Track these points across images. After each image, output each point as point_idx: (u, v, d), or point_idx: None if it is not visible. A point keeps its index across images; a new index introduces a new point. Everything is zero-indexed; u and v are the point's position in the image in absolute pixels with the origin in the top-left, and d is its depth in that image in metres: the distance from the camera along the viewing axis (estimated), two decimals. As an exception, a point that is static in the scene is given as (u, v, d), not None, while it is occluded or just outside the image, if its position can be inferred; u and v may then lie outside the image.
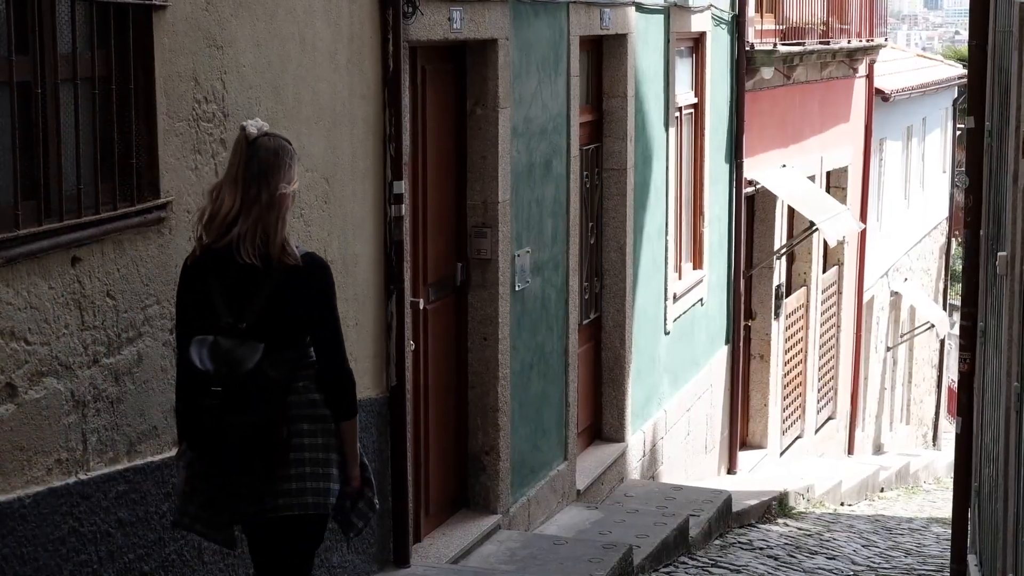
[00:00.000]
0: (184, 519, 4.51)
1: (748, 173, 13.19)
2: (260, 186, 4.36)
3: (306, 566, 4.54)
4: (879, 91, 17.86)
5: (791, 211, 14.54)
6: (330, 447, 4.43)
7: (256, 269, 4.35)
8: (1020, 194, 5.71)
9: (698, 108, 11.93)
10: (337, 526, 4.65)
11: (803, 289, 15.55)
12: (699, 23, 11.62)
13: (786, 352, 14.90)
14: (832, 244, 14.51)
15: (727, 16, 12.49)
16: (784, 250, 14.57)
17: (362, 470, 4.55)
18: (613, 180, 10.07)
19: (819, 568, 9.61)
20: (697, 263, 12.16)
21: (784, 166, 14.31)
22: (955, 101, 24.11)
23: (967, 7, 8.85)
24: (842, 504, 14.23)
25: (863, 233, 17.20)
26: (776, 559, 9.58)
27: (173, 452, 5.07)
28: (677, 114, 11.37)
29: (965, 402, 8.96)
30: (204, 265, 4.39)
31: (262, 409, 4.25)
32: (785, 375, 14.89)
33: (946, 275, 24.98)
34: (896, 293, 20.57)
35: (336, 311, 4.48)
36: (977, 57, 8.40)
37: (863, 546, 10.94)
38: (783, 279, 14.71)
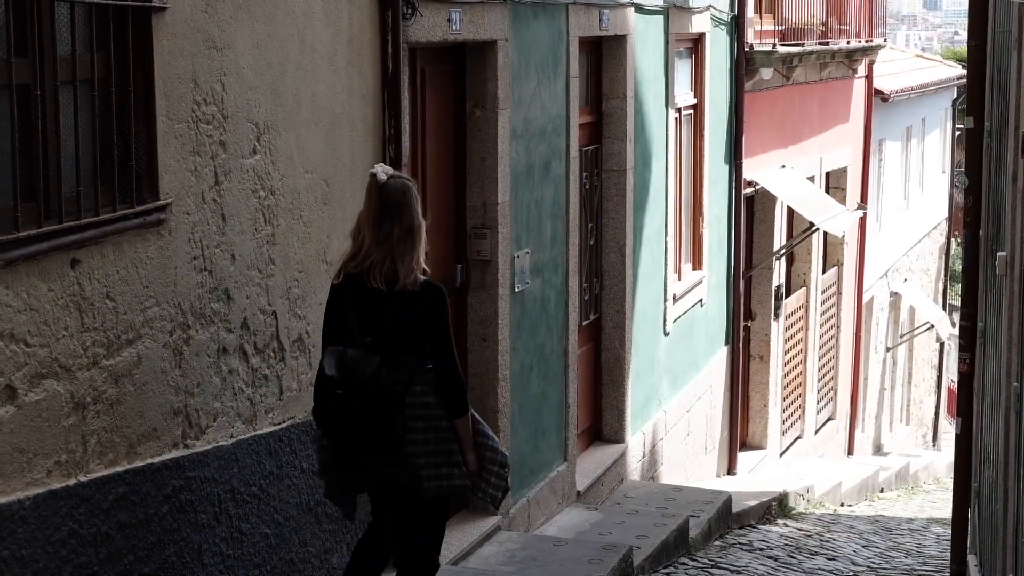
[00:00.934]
0: (329, 490, 5.37)
1: (747, 174, 13.19)
2: (393, 222, 5.09)
3: (436, 541, 5.36)
4: (878, 92, 17.86)
5: (791, 212, 14.54)
6: (442, 440, 5.14)
7: (382, 293, 5.08)
8: (1019, 194, 5.71)
9: (697, 109, 11.93)
10: (482, 499, 5.41)
11: (803, 290, 15.55)
12: (698, 24, 11.62)
13: (786, 353, 14.90)
14: (838, 235, 14.49)
15: (726, 17, 12.49)
16: (784, 251, 14.57)
17: (485, 450, 5.28)
18: (612, 181, 10.07)
19: (819, 569, 9.61)
20: (697, 264, 12.17)
21: (783, 167, 14.32)
22: (954, 101, 24.12)
23: (966, 8, 8.85)
24: (842, 505, 14.23)
25: (863, 233, 17.21)
26: (776, 560, 9.58)
27: (172, 455, 5.08)
28: (676, 115, 11.37)
29: (965, 402, 8.96)
30: (344, 288, 5.17)
31: (377, 407, 5.03)
32: (785, 376, 14.90)
33: (946, 275, 24.98)
34: (896, 293, 20.57)
35: (448, 329, 5.18)
36: (976, 57, 8.40)
37: (863, 547, 10.94)
38: (783, 280, 14.71)
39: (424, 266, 5.15)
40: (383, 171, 5.15)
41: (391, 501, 5.27)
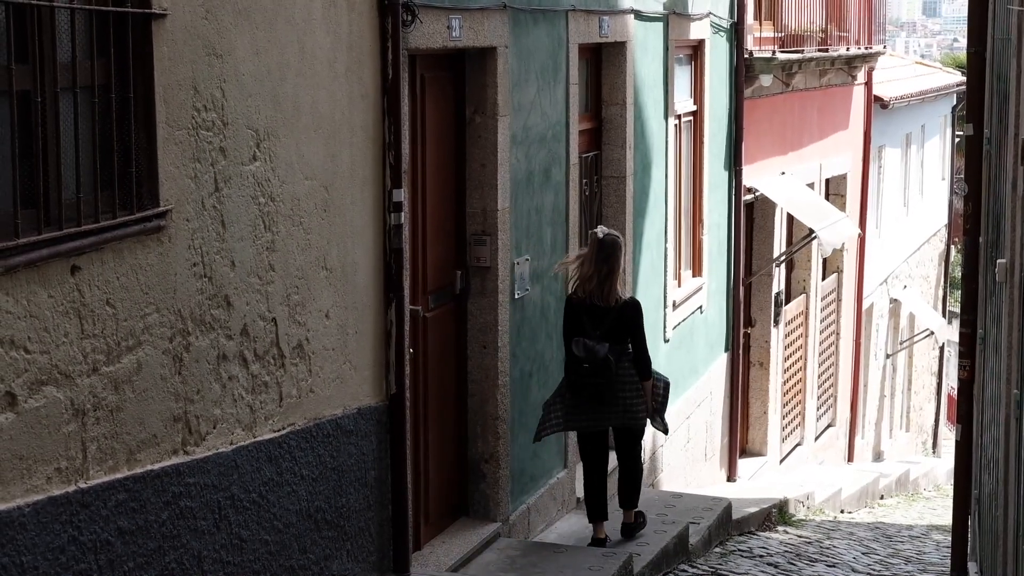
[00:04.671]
0: (561, 427, 8.32)
1: (747, 180, 13.20)
2: (608, 265, 8.09)
3: (636, 451, 8.53)
4: (878, 98, 17.88)
5: (790, 218, 14.55)
6: (637, 394, 8.18)
7: (601, 307, 8.10)
8: (1019, 201, 5.71)
9: (697, 115, 11.94)
10: (656, 427, 8.55)
11: (802, 296, 15.56)
12: (698, 31, 11.63)
13: (786, 359, 14.90)
14: (827, 254, 14.51)
15: (726, 24, 12.50)
16: (783, 257, 14.57)
17: (659, 395, 8.35)
18: (612, 188, 10.08)
19: (819, 575, 9.61)
20: (696, 270, 12.17)
21: (783, 173, 14.32)
22: (954, 108, 24.13)
23: (966, 15, 8.86)
24: (842, 511, 14.23)
25: (862, 240, 17.21)
26: (776, 567, 9.58)
27: (172, 461, 5.08)
28: (676, 121, 11.38)
29: (965, 409, 8.96)
30: (577, 302, 8.16)
31: (606, 375, 8.03)
32: (785, 382, 14.89)
33: (945, 282, 24.99)
34: (895, 300, 20.57)
35: (643, 327, 8.24)
36: (976, 64, 8.41)
37: (863, 553, 10.94)
38: (782, 286, 14.72)
39: (619, 288, 8.19)
40: (602, 231, 8.20)
41: (602, 440, 8.41)
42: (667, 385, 8.45)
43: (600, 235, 8.13)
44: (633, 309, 8.15)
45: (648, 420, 8.37)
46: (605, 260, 8.06)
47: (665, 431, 8.62)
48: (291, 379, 5.99)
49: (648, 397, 8.21)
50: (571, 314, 8.14)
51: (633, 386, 8.14)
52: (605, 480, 8.47)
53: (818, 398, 16.26)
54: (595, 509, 8.43)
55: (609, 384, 8.04)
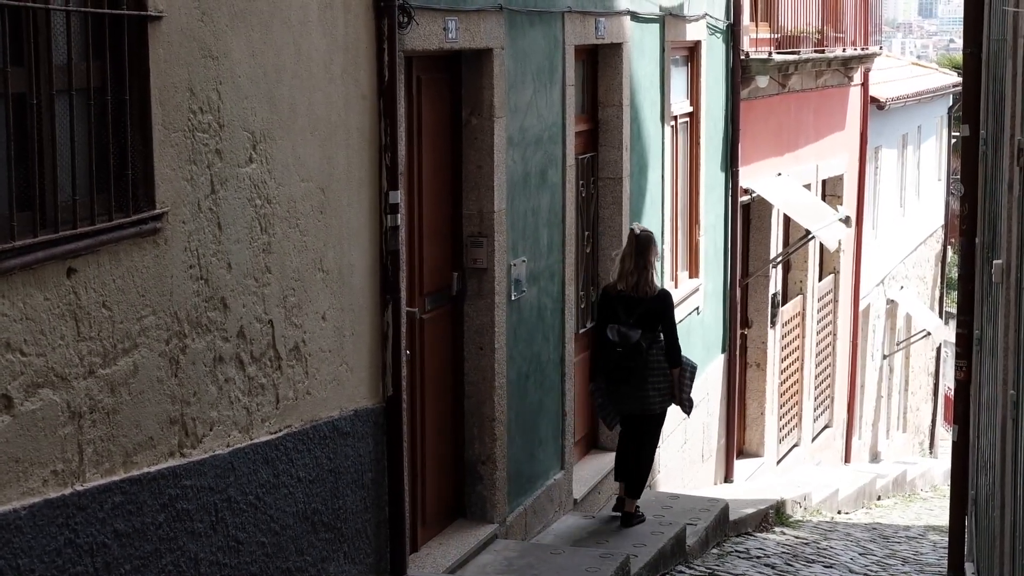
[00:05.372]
0: (618, 411, 8.89)
1: (744, 182, 13.20)
2: (644, 258, 8.74)
3: (656, 438, 9.16)
4: (874, 99, 17.88)
5: (787, 220, 14.55)
6: (666, 379, 8.80)
7: (635, 297, 8.71)
8: (1015, 202, 5.72)
9: (693, 117, 11.94)
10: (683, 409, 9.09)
11: (799, 297, 15.56)
12: (694, 32, 11.63)
13: (782, 360, 14.90)
14: (832, 248, 14.50)
15: (722, 25, 12.50)
16: (780, 259, 14.57)
17: (687, 381, 8.89)
18: (609, 189, 10.08)
19: (816, 576, 9.61)
20: (693, 272, 12.17)
21: (780, 174, 14.32)
22: (950, 109, 24.15)
23: (961, 16, 8.86)
24: (839, 512, 14.23)
25: (859, 241, 17.21)
26: (773, 568, 9.58)
27: (169, 464, 5.08)
28: (673, 123, 11.38)
29: (961, 410, 8.96)
30: (614, 292, 8.80)
31: (637, 358, 8.64)
32: (781, 383, 14.89)
33: (942, 283, 25.00)
34: (892, 301, 20.58)
35: (674, 316, 8.91)
36: (972, 65, 8.41)
37: (860, 554, 10.94)
38: (779, 287, 14.71)
39: (653, 280, 8.79)
40: (638, 227, 8.92)
41: (636, 419, 8.92)
42: (694, 370, 9.02)
43: (637, 231, 8.83)
44: (665, 300, 8.79)
45: (672, 402, 8.95)
46: (641, 254, 8.72)
47: (688, 412, 9.25)
48: (288, 381, 5.98)
49: (676, 385, 8.81)
50: (606, 303, 8.80)
51: (662, 372, 8.74)
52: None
53: (815, 399, 16.26)
54: (623, 472, 9.16)
55: (640, 367, 8.63)
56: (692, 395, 9.05)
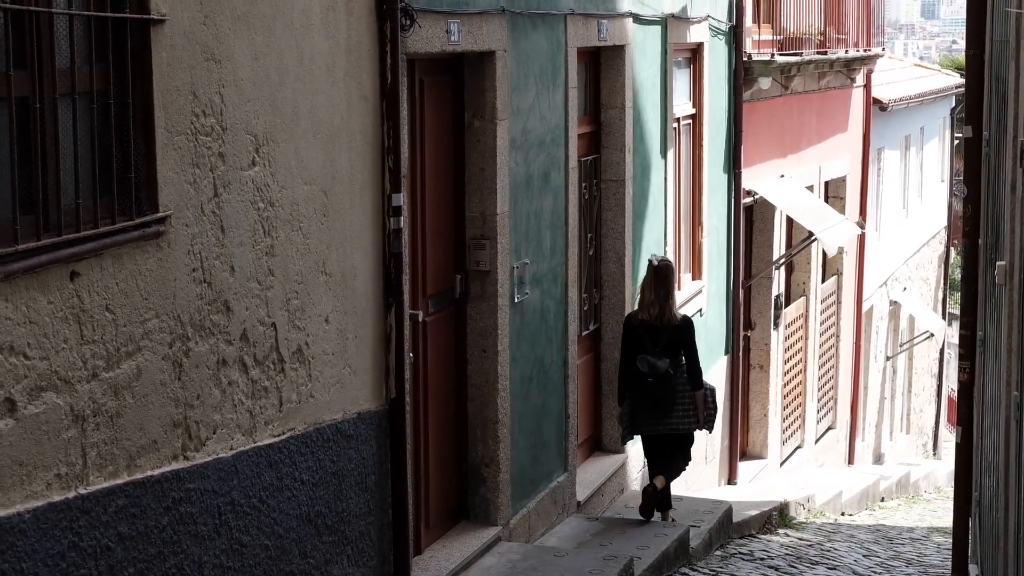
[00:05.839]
0: (632, 432, 9.42)
1: (746, 183, 13.20)
2: (664, 289, 9.19)
3: (686, 458, 9.58)
4: (877, 101, 17.87)
5: (790, 221, 14.54)
6: (690, 403, 9.22)
7: (658, 326, 9.15)
8: (1018, 203, 5.71)
9: (696, 119, 11.94)
10: (703, 429, 9.49)
11: (802, 299, 15.55)
12: (696, 34, 11.63)
13: (786, 362, 14.89)
14: (832, 253, 14.50)
15: (724, 27, 12.50)
16: (783, 260, 14.57)
17: (709, 403, 9.35)
18: (611, 191, 10.08)
19: (820, 578, 9.61)
20: (696, 273, 12.16)
21: (782, 176, 14.32)
22: (953, 110, 24.13)
23: (964, 17, 8.86)
24: (843, 514, 14.22)
25: (862, 243, 17.20)
26: (777, 570, 9.57)
27: (172, 467, 5.08)
28: (675, 125, 11.38)
29: (965, 411, 8.95)
30: (637, 322, 9.21)
31: (665, 386, 9.10)
32: (785, 385, 14.88)
33: (945, 284, 24.98)
34: (895, 302, 20.57)
35: (695, 343, 9.29)
36: (974, 66, 8.41)
37: (864, 556, 10.93)
38: (782, 289, 14.71)
39: (674, 308, 9.24)
40: (656, 258, 9.34)
41: (664, 440, 9.36)
42: (713, 392, 9.48)
43: (655, 263, 9.28)
44: (688, 327, 9.24)
45: (697, 425, 9.37)
46: (661, 284, 9.19)
47: (710, 430, 9.77)
48: (291, 384, 5.98)
49: (700, 405, 9.25)
50: (631, 334, 9.24)
51: (686, 395, 9.20)
52: (665, 458, 9.60)
53: (818, 400, 16.25)
54: (654, 468, 9.56)
55: (668, 393, 9.13)
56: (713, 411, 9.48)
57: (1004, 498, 6.04)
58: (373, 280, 6.70)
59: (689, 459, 9.63)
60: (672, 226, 11.31)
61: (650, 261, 9.32)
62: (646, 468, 10.85)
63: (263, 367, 5.74)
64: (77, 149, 4.61)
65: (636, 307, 9.38)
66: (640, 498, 9.36)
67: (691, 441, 9.54)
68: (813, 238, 14.09)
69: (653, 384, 9.06)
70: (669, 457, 9.41)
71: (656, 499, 9.25)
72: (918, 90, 20.67)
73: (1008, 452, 5.90)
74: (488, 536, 7.97)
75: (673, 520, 9.43)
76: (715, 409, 9.47)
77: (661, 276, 9.18)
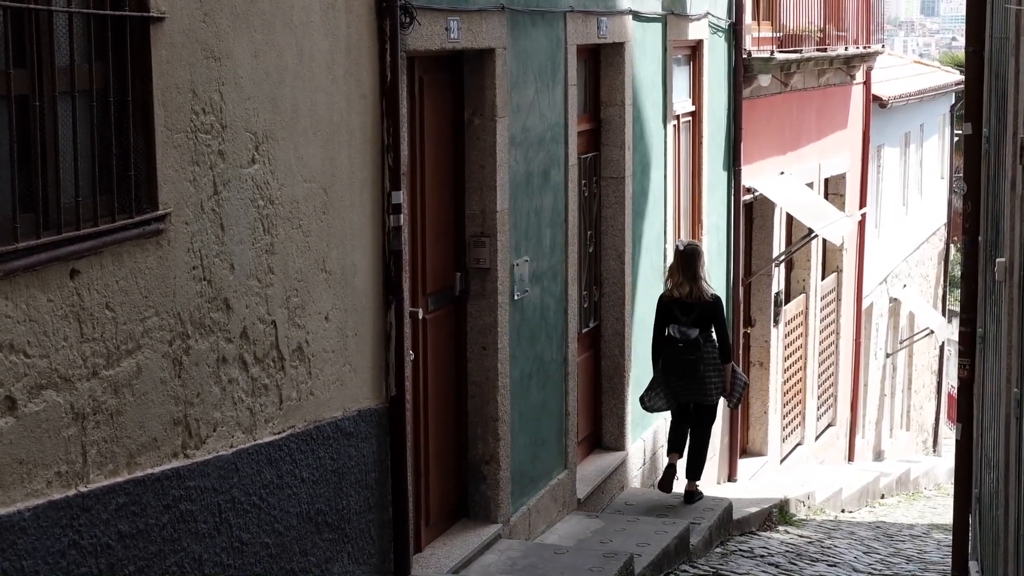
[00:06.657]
0: (655, 404, 10.00)
1: (746, 181, 13.19)
2: (691, 270, 9.82)
3: (710, 426, 10.23)
4: (877, 98, 17.86)
5: (789, 218, 14.54)
6: (719, 374, 9.89)
7: (691, 303, 9.78)
8: (1018, 200, 5.72)
9: (696, 116, 11.94)
10: (730, 405, 10.42)
11: (802, 296, 15.55)
12: (696, 31, 11.63)
13: (785, 359, 14.89)
14: (837, 243, 14.47)
15: (724, 24, 12.50)
16: (783, 257, 14.57)
17: (737, 378, 10.12)
18: (611, 189, 10.08)
19: (820, 575, 9.61)
20: (696, 271, 12.14)
21: (782, 173, 14.32)
22: (952, 107, 24.13)
23: (964, 14, 8.86)
24: (843, 511, 14.22)
25: (862, 239, 17.20)
26: (777, 567, 9.58)
27: (172, 465, 5.08)
28: (675, 122, 11.38)
29: (965, 408, 8.96)
30: (670, 299, 9.87)
31: (695, 355, 9.72)
32: (785, 382, 14.89)
33: (945, 281, 24.99)
34: (895, 299, 20.57)
35: (724, 318, 10.03)
36: (974, 63, 8.41)
37: (864, 553, 10.94)
38: (782, 286, 14.71)
39: (704, 286, 9.85)
40: (681, 243, 10.17)
41: (692, 408, 9.99)
42: (746, 384, 10.33)
43: (681, 247, 9.99)
44: (717, 304, 9.91)
45: (723, 398, 10.08)
46: (688, 266, 9.82)
47: (737, 404, 10.63)
48: (291, 382, 5.99)
49: (727, 379, 9.93)
50: (663, 308, 9.90)
51: (715, 367, 9.84)
52: (686, 433, 10.16)
53: (818, 398, 16.25)
54: (673, 445, 10.12)
55: (697, 361, 9.73)
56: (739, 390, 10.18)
57: (1004, 495, 6.05)
58: (373, 278, 6.70)
59: (709, 436, 10.21)
60: (672, 223, 11.31)
61: (676, 246, 10.09)
62: (647, 465, 10.87)
63: (263, 365, 5.74)
64: (77, 147, 4.61)
65: (667, 287, 10.02)
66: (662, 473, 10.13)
67: (714, 413, 10.18)
68: (813, 235, 14.08)
69: (683, 349, 9.67)
70: (694, 430, 10.04)
71: (675, 475, 9.89)
72: (918, 87, 20.67)
73: (1008, 449, 5.91)
74: (488, 534, 7.97)
75: (701, 494, 10.07)
76: (744, 384, 10.15)
77: (687, 258, 9.83)
